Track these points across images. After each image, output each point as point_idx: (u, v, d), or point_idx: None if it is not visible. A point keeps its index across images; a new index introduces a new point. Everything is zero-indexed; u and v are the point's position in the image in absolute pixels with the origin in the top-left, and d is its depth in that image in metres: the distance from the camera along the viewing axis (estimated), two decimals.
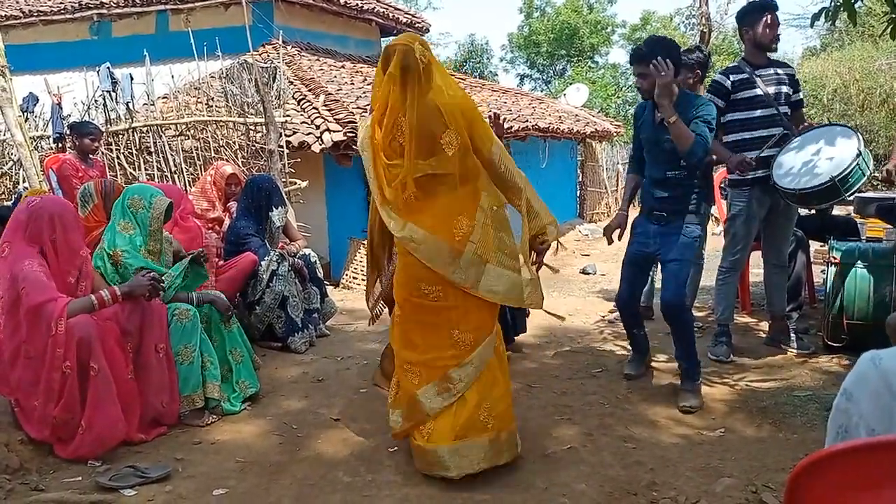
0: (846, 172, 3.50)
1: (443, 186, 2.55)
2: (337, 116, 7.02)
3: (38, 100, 6.42)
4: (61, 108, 5.99)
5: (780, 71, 3.96)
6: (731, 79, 3.92)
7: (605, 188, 14.71)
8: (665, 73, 3.13)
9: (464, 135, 2.52)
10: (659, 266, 3.70)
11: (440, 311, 2.59)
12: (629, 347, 4.39)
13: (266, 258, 4.41)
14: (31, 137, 6.03)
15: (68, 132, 5.67)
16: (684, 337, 3.40)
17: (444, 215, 2.55)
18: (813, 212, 5.01)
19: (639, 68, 3.31)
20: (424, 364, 2.62)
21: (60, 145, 5.89)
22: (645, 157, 3.58)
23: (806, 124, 4.01)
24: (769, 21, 3.88)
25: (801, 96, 4.10)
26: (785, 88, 3.92)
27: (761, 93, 3.88)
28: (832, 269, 4.01)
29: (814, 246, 5.69)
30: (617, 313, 5.41)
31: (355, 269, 6.57)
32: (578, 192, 14.72)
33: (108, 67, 6.01)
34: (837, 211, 6.12)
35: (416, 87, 2.44)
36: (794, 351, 4.07)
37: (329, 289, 5.17)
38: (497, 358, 2.67)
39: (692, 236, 3.40)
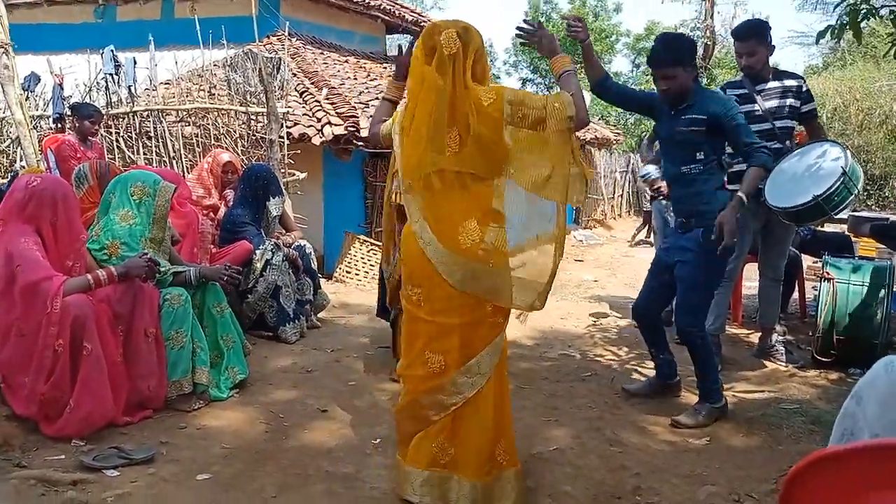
0: (830, 192, 3.50)
1: (456, 183, 2.29)
2: (339, 110, 7.02)
3: (39, 79, 6.38)
4: (62, 89, 5.96)
5: (787, 83, 3.97)
6: (729, 93, 3.95)
7: (602, 195, 14.74)
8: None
9: (481, 131, 2.25)
10: None
11: (417, 321, 2.36)
12: (619, 354, 4.42)
13: (261, 247, 4.41)
14: (30, 116, 6.00)
15: (69, 113, 5.65)
16: (696, 358, 3.27)
17: (451, 219, 2.29)
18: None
19: (657, 72, 3.18)
20: (404, 379, 2.45)
21: (60, 126, 5.86)
22: (661, 157, 3.52)
23: (798, 141, 4.06)
24: (736, 48, 4.03)
25: (813, 107, 4.08)
26: (790, 101, 3.92)
27: (758, 108, 3.91)
28: (825, 285, 4.03)
29: (807, 261, 5.72)
30: (607, 319, 5.45)
31: (349, 262, 6.56)
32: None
33: (112, 50, 5.98)
34: (832, 228, 6.16)
35: (438, 73, 2.24)
36: (783, 364, 4.09)
37: (322, 281, 5.16)
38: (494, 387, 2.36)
39: (711, 249, 3.07)
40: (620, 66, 35.53)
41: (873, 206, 16.23)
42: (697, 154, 3.18)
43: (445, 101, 2.24)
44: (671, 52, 3.15)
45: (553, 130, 2.28)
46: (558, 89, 2.43)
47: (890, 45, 4.01)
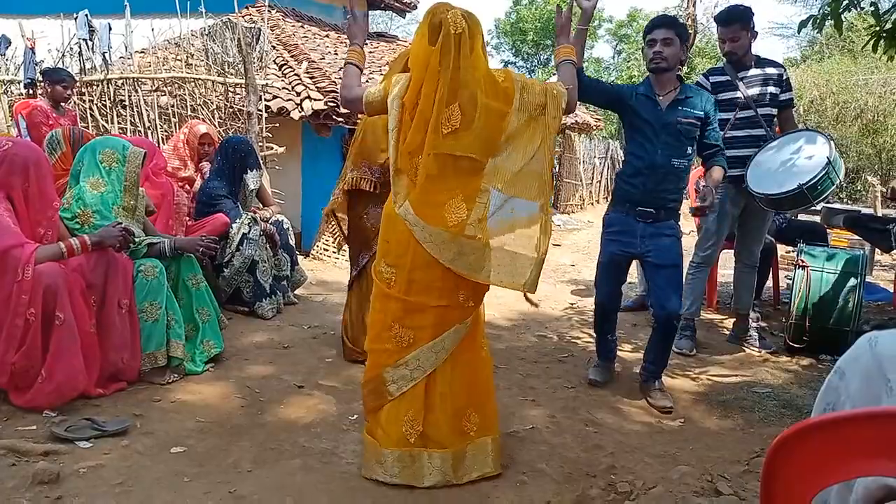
0: (814, 181, 3.55)
1: (450, 167, 2.28)
2: (318, 85, 6.92)
3: (10, 43, 6.19)
4: (34, 53, 5.79)
5: (768, 70, 3.99)
6: (711, 80, 3.99)
7: (581, 181, 14.79)
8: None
9: (491, 105, 2.28)
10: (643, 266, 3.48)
11: (388, 298, 2.36)
12: (594, 334, 4.44)
13: (237, 221, 4.35)
14: (0, 81, 5.84)
15: (40, 78, 5.50)
16: (668, 341, 3.33)
17: (438, 199, 2.28)
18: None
19: (656, 33, 3.22)
20: (370, 354, 2.45)
21: (31, 91, 5.71)
22: (634, 147, 3.28)
23: (780, 129, 4.08)
24: (719, 34, 4.03)
25: (791, 96, 4.11)
26: (771, 89, 3.95)
27: (741, 95, 3.93)
28: (799, 273, 4.08)
29: (781, 250, 5.79)
30: (583, 302, 5.47)
31: (327, 240, 6.50)
32: (555, 184, 14.77)
33: (87, 15, 5.82)
34: (806, 218, 6.24)
35: (443, 52, 2.23)
36: (757, 349, 4.15)
37: (299, 258, 5.11)
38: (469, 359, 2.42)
39: (678, 235, 3.30)
40: (602, 51, 35.57)
41: (846, 200, 16.51)
42: (688, 149, 3.24)
43: (449, 80, 2.23)
44: (672, 21, 3.29)
45: (550, 117, 2.35)
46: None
47: (869, 37, 4.04)
